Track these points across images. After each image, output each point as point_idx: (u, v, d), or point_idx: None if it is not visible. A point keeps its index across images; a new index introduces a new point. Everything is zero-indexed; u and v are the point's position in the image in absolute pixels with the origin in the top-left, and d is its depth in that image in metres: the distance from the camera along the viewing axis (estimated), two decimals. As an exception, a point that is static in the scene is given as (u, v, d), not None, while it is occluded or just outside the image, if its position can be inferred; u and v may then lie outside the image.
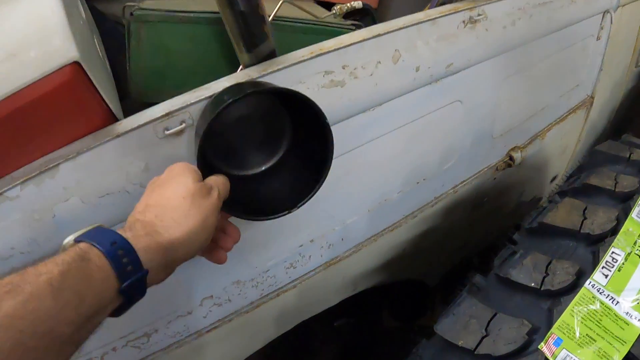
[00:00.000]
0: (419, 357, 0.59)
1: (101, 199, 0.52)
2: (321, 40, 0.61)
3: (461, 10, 0.71)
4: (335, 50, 0.59)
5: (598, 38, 1.08)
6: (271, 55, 0.57)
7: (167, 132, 0.52)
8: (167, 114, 0.51)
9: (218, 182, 0.50)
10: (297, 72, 0.57)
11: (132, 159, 0.52)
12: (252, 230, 0.65)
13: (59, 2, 0.50)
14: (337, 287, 0.89)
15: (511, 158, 1.03)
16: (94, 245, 0.36)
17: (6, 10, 0.48)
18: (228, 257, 0.52)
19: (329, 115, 0.57)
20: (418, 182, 0.84)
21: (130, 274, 0.37)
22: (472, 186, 0.98)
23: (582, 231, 0.58)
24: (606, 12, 1.05)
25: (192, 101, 0.52)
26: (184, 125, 0.53)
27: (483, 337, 0.51)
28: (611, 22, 1.08)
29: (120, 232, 0.39)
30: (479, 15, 0.74)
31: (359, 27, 0.69)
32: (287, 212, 0.54)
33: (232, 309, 0.72)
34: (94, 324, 0.35)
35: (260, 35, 0.55)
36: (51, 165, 0.49)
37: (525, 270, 0.55)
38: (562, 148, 1.22)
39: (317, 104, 0.50)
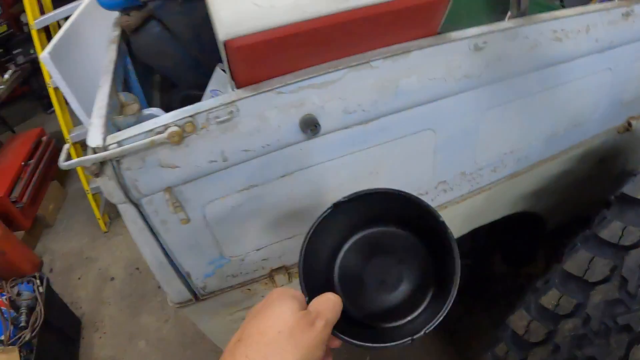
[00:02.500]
0: (609, 216, 0.91)
1: (429, 81, 0.81)
2: (545, 11, 0.95)
3: (622, 6, 1.04)
4: (560, 18, 0.92)
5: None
6: (524, 12, 0.91)
7: (475, 47, 0.83)
8: (478, 35, 0.83)
9: (325, 308, 0.47)
10: (541, 27, 0.90)
11: (453, 58, 0.82)
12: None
13: None
14: (506, 201, 1.21)
15: (629, 124, 1.35)
16: None
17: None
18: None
19: (550, 60, 0.90)
20: (575, 125, 1.17)
21: None
22: (602, 140, 1.30)
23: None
24: None
25: (491, 30, 0.84)
26: (485, 44, 0.83)
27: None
28: None
29: None
30: (631, 10, 1.08)
31: (563, 6, 1.03)
32: (410, 340, 0.49)
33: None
34: None
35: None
36: (408, 50, 0.77)
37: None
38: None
39: (437, 214, 0.55)
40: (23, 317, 1.74)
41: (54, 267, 2.62)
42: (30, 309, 1.79)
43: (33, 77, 4.26)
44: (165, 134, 0.68)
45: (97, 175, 0.70)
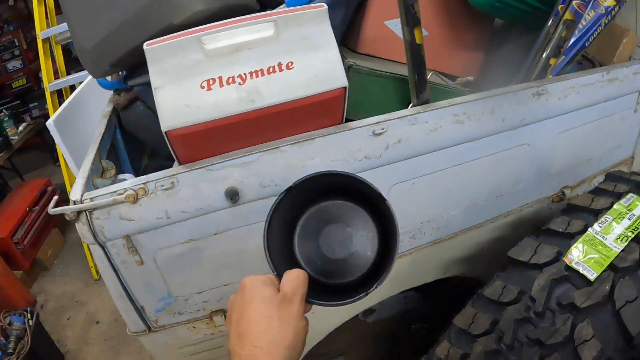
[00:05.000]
0: (496, 277, 1.15)
1: (332, 162, 1.08)
2: (450, 97, 1.23)
3: (532, 87, 1.32)
4: (460, 103, 1.20)
5: (635, 110, 1.63)
6: (427, 101, 1.20)
7: (374, 132, 1.11)
8: (376, 123, 1.11)
9: (296, 284, 0.63)
10: (441, 112, 1.18)
11: (353, 143, 1.10)
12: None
13: (338, 52, 1.03)
14: (434, 265, 1.44)
15: (563, 193, 1.57)
16: None
17: (314, 54, 0.99)
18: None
19: (453, 140, 1.17)
20: (497, 196, 1.41)
21: None
22: (534, 209, 1.53)
23: (590, 207, 1.19)
24: (641, 91, 1.62)
25: (389, 118, 1.13)
26: (383, 130, 1.12)
27: (533, 255, 1.10)
28: (645, 99, 1.64)
29: None
30: (542, 90, 1.35)
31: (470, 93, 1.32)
32: (365, 294, 0.67)
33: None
34: None
35: (424, 88, 1.19)
36: (311, 137, 1.05)
37: (558, 224, 1.16)
38: (606, 195, 1.76)
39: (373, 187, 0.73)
40: (11, 345, 2.09)
41: (47, 306, 3.01)
42: (19, 339, 2.13)
43: (46, 131, 4.71)
44: (124, 195, 0.98)
45: (74, 221, 1.00)
